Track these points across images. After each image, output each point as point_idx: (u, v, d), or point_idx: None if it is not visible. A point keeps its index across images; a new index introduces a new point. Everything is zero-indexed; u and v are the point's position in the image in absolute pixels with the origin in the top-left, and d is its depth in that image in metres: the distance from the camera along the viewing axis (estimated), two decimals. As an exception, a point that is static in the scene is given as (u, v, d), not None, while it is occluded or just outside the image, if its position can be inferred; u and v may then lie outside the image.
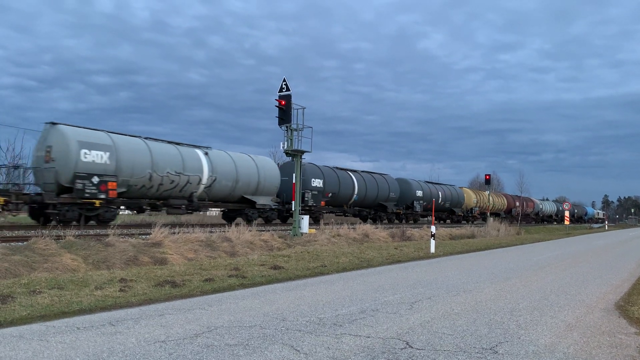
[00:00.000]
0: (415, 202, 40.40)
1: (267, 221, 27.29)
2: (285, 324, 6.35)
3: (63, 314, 6.73)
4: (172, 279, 9.61)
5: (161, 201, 21.97)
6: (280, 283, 10.08)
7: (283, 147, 19.86)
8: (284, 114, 19.11)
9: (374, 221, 34.99)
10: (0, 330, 5.82)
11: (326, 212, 32.53)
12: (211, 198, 24.38)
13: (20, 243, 11.52)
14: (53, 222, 17.00)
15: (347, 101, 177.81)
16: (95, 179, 18.51)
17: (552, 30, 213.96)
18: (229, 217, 26.71)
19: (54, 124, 18.64)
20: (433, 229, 19.32)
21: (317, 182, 30.05)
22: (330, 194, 31.11)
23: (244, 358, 4.90)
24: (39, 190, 18.36)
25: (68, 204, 17.89)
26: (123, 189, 19.77)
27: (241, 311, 7.14)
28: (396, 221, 38.76)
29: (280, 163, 33.48)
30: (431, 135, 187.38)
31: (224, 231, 16.91)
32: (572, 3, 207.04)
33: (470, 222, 48.75)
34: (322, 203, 30.65)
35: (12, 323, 6.19)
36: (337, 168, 33.56)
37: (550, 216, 78.46)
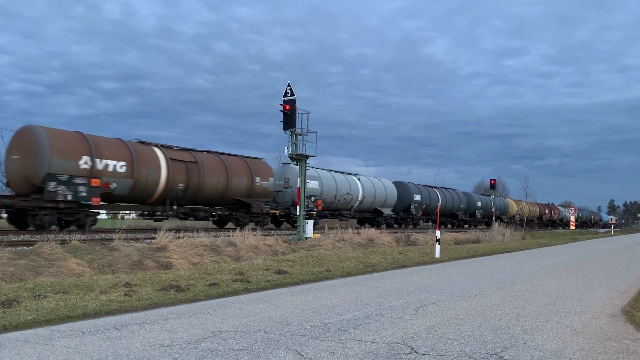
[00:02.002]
0: (476, 212, 50.57)
1: (389, 226, 37.58)
2: (289, 329, 6.34)
3: (68, 318, 6.74)
4: (177, 284, 9.62)
5: (337, 211, 32.65)
6: (284, 288, 10.07)
7: (287, 152, 19.87)
8: (289, 118, 19.15)
9: (451, 226, 46.64)
10: (6, 334, 5.84)
11: (423, 221, 44.62)
12: (360, 210, 34.90)
13: (25, 247, 11.57)
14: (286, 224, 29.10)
15: (352, 106, 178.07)
16: (312, 198, 28.39)
17: (556, 36, 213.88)
18: (362, 222, 36.67)
19: (287, 163, 28.61)
20: (438, 233, 19.27)
21: (417, 197, 40.42)
22: (424, 206, 41.25)
23: (248, 363, 4.89)
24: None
25: (297, 214, 24.47)
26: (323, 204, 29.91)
27: (246, 316, 7.13)
28: (465, 226, 48.34)
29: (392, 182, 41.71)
30: (436, 140, 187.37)
31: (228, 236, 16.92)
32: (576, 9, 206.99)
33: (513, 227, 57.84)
34: (420, 212, 41.07)
35: (18, 327, 6.21)
36: (426, 186, 44.05)
37: (562, 219, 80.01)
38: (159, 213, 21.79)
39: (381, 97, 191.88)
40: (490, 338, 6.12)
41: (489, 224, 49.11)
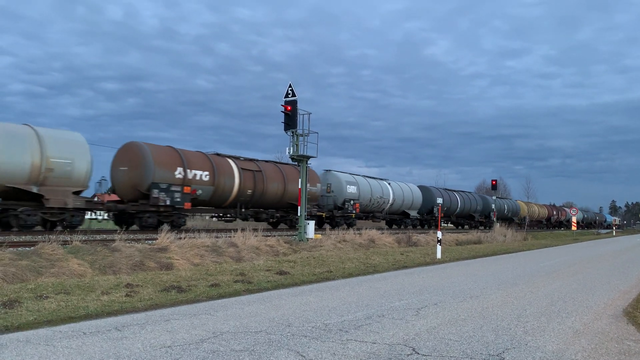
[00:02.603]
0: (490, 213, 52.66)
1: (414, 226, 41.06)
2: (291, 330, 6.34)
3: (70, 319, 6.75)
4: (178, 284, 9.62)
5: (371, 213, 35.88)
6: (286, 288, 10.07)
7: (289, 153, 19.88)
8: (290, 119, 19.15)
9: (468, 227, 49.52)
10: (7, 335, 5.84)
11: (443, 222, 47.28)
12: (390, 212, 38.35)
13: (27, 248, 11.58)
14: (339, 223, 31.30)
15: (354, 107, 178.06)
16: (352, 202, 32.43)
17: (557, 37, 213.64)
18: (391, 223, 40.57)
19: (329, 170, 32.95)
20: (439, 234, 19.27)
21: (439, 200, 43.35)
22: (445, 208, 44.19)
23: (249, 364, 4.89)
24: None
25: (338, 216, 31.68)
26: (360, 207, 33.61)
27: (247, 317, 7.14)
28: (481, 227, 49.20)
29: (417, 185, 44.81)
30: (437, 141, 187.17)
31: (229, 236, 16.93)
32: (577, 10, 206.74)
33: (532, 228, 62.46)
34: (441, 214, 42.81)
35: (19, 328, 6.22)
36: (446, 189, 46.98)
37: (568, 220, 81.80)
38: (229, 215, 25.55)
39: (382, 98, 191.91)
40: (491, 339, 6.11)
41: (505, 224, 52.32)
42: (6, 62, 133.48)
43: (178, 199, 21.31)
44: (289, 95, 19.15)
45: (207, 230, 21.91)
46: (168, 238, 14.04)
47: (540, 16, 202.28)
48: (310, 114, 20.06)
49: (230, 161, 24.74)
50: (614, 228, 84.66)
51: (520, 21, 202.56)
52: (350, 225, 31.87)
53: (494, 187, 46.84)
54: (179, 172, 21.60)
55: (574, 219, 57.10)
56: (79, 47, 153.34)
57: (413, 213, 40.64)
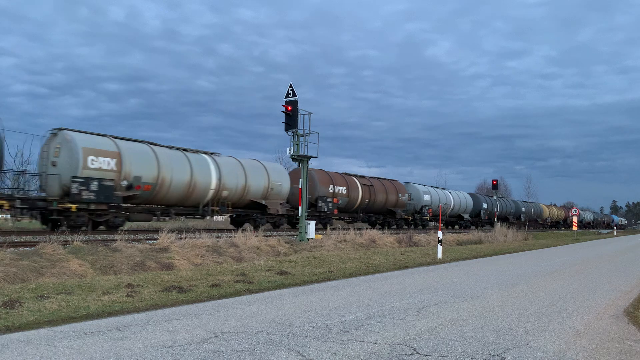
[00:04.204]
0: (521, 215, 62.17)
1: (467, 227, 47.88)
2: (291, 330, 6.34)
3: (70, 319, 6.75)
4: (179, 284, 9.62)
5: (436, 217, 41.60)
6: (286, 289, 10.06)
7: (289, 153, 19.88)
8: (291, 119, 19.14)
9: (474, 226, 52.89)
10: (8, 335, 5.85)
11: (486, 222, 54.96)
12: (450, 215, 47.20)
13: (28, 248, 11.59)
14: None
15: (355, 107, 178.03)
16: (426, 207, 42.01)
17: (558, 38, 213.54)
18: (447, 225, 47.24)
19: (409, 183, 41.66)
20: (440, 234, 19.26)
21: (485, 205, 51.53)
22: (489, 211, 51.07)
23: (250, 364, 4.89)
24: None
25: (417, 219, 40.90)
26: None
27: (248, 317, 7.13)
28: (487, 226, 54.37)
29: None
30: (438, 141, 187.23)
31: (230, 236, 16.93)
32: (578, 11, 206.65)
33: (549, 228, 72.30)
34: (486, 217, 51.24)
35: (20, 328, 6.22)
36: (488, 196, 54.37)
37: (581, 221, 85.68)
38: (350, 219, 35.77)
39: (384, 98, 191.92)
40: (492, 339, 6.11)
41: (530, 225, 62.18)
42: (9, 63, 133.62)
43: (330, 207, 30.94)
44: (290, 96, 19.14)
45: (208, 231, 21.99)
46: (169, 238, 14.05)
47: (541, 17, 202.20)
48: (311, 114, 20.09)
49: (355, 179, 34.62)
50: (615, 228, 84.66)
51: (521, 22, 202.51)
52: (424, 226, 42.47)
53: (495, 187, 46.92)
54: (330, 188, 31.41)
55: (574, 219, 57.19)
56: (82, 48, 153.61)
57: (466, 216, 50.03)
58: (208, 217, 25.86)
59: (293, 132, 19.48)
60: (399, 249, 21.17)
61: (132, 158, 20.59)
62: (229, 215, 26.61)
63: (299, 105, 19.25)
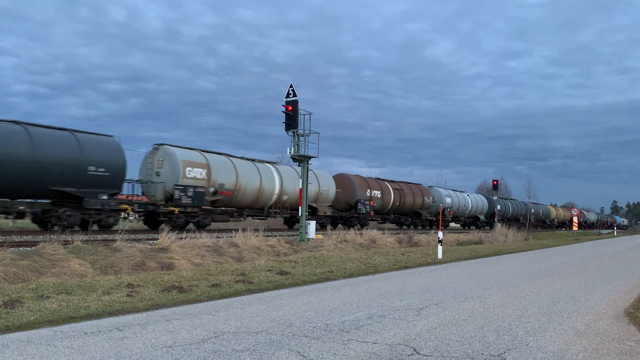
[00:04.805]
0: (530, 216, 64.05)
1: (482, 227, 49.23)
2: (292, 330, 6.34)
3: (71, 319, 6.75)
4: (179, 284, 9.62)
5: (456, 217, 48.35)
6: (287, 289, 10.06)
7: (290, 153, 19.87)
8: (291, 119, 19.14)
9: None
10: (9, 335, 5.85)
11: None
12: (468, 216, 50.30)
13: (28, 248, 11.58)
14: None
15: (356, 107, 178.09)
16: (448, 209, 44.65)
17: (559, 38, 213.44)
18: (463, 225, 51.92)
19: (432, 187, 44.85)
20: (440, 234, 19.26)
21: (499, 207, 52.57)
22: (502, 212, 53.04)
23: (250, 364, 4.89)
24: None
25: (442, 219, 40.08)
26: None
27: (248, 317, 7.13)
28: (522, 228, 55.17)
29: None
30: (439, 141, 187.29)
31: (230, 236, 16.92)
32: (579, 12, 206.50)
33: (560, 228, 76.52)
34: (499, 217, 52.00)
35: (20, 328, 6.22)
36: (501, 198, 56.64)
37: (585, 222, 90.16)
38: (382, 220, 38.65)
39: (384, 98, 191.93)
40: (492, 339, 6.11)
41: (537, 226, 66.75)
42: (9, 63, 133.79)
43: (368, 209, 34.40)
44: (290, 96, 19.14)
45: (208, 231, 22.04)
46: (169, 238, 14.04)
47: (541, 17, 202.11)
48: (312, 114, 20.09)
49: (387, 183, 38.34)
50: (615, 228, 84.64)
51: (522, 22, 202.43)
52: (446, 226, 46.15)
53: (495, 187, 46.99)
54: (367, 192, 34.84)
55: (575, 220, 57.16)
56: (83, 48, 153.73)
57: (482, 217, 53.29)
58: (270, 218, 29.26)
59: (293, 132, 19.48)
60: (399, 249, 21.17)
61: (217, 168, 24.08)
62: (283, 216, 29.22)
63: (300, 106, 19.26)
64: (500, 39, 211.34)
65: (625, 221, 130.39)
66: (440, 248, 18.58)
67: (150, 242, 14.22)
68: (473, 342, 5.92)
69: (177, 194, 21.77)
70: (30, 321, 6.54)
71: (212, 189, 23.59)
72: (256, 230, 18.75)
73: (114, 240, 13.27)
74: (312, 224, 20.80)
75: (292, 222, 31.11)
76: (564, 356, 5.46)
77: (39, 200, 18.68)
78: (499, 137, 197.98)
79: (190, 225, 26.45)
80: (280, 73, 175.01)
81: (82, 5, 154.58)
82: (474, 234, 32.43)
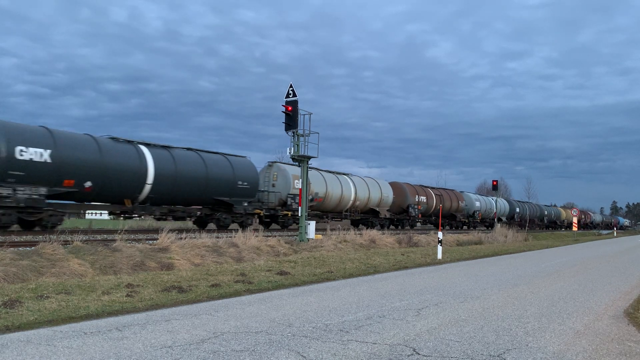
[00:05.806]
0: (544, 218, 70.25)
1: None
2: (291, 330, 6.34)
3: (70, 319, 6.75)
4: (179, 285, 9.62)
5: (483, 219, 54.65)
6: (286, 289, 10.07)
7: (289, 153, 19.87)
8: (291, 119, 19.14)
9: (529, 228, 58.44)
10: (8, 335, 5.85)
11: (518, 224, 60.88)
12: (492, 218, 53.71)
13: (28, 248, 11.58)
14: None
15: (356, 108, 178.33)
16: (477, 212, 51.59)
17: (559, 39, 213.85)
18: (487, 227, 53.03)
19: (462, 192, 49.52)
20: (440, 235, 19.26)
21: (518, 209, 61.15)
22: (521, 214, 59.99)
23: (250, 364, 4.89)
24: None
25: (471, 222, 48.68)
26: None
27: (247, 317, 7.14)
28: (537, 228, 61.41)
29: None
30: (439, 142, 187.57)
31: (230, 237, 16.93)
32: (579, 13, 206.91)
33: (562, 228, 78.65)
34: (520, 220, 59.11)
35: (20, 328, 6.22)
36: (519, 201, 61.44)
37: (592, 222, 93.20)
38: (423, 222, 44.42)
39: (384, 99, 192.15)
40: (492, 339, 6.11)
41: (549, 227, 71.28)
42: (10, 63, 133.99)
43: (417, 212, 39.81)
44: (290, 96, 19.14)
45: (208, 231, 22.05)
46: (169, 238, 14.04)
47: (541, 18, 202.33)
48: (311, 114, 20.09)
49: (430, 190, 43.81)
50: (615, 229, 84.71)
51: (522, 23, 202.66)
52: (475, 227, 50.52)
53: (495, 187, 46.92)
54: (416, 198, 40.29)
55: (574, 220, 57.32)
56: (83, 49, 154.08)
57: (504, 218, 57.19)
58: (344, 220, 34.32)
59: (293, 133, 19.48)
60: (399, 250, 21.17)
61: (313, 180, 29.42)
62: (355, 218, 34.90)
63: (300, 106, 19.26)
64: (500, 40, 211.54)
65: (627, 222, 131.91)
66: (440, 248, 18.58)
67: (150, 242, 14.22)
68: (473, 343, 5.92)
69: (289, 200, 28.02)
70: (29, 321, 6.53)
71: (310, 197, 28.12)
72: (255, 230, 18.76)
73: (114, 240, 13.27)
74: (312, 224, 20.80)
75: (356, 223, 35.76)
76: (563, 356, 5.46)
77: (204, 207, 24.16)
78: (498, 138, 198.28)
79: (191, 225, 26.68)
80: (281, 73, 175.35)
81: (82, 5, 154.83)
82: (474, 234, 32.42)
